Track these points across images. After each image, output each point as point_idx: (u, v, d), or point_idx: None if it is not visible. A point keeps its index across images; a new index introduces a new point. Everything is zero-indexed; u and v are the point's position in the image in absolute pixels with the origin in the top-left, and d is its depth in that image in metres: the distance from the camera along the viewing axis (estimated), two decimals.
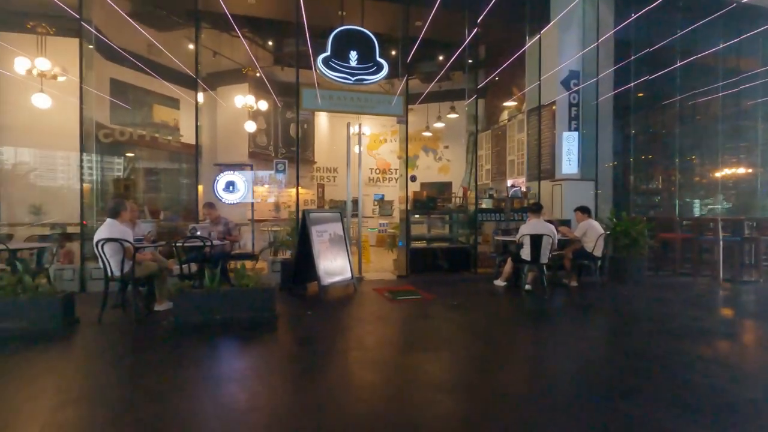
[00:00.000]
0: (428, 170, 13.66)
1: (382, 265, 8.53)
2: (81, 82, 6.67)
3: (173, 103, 11.60)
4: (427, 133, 13.12)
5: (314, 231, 5.71)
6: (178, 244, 4.81)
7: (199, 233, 5.46)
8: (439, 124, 12.58)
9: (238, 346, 3.75)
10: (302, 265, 5.70)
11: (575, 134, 7.99)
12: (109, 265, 4.31)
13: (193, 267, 4.97)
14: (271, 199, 12.43)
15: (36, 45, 8.03)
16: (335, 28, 6.87)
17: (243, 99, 9.77)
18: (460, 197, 8.55)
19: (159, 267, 4.75)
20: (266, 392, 2.73)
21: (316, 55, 6.65)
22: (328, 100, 6.86)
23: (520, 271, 5.84)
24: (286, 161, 6.90)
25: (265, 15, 9.90)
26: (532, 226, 5.72)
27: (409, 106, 13.65)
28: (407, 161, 7.57)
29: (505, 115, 11.36)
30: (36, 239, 5.72)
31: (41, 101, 7.43)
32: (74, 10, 6.82)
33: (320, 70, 6.82)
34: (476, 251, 7.58)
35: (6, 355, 3.44)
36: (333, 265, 5.86)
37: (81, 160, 6.21)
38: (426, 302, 5.32)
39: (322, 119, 13.55)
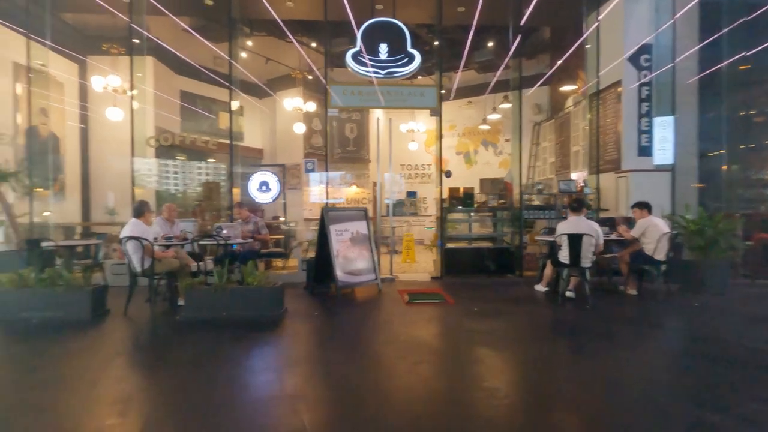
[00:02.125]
0: (488, 165, 12.88)
1: (425, 266, 8.18)
2: (133, 94, 7.27)
3: (238, 110, 12.35)
4: (485, 126, 12.37)
5: (333, 230, 5.60)
6: (194, 242, 5.00)
7: (225, 232, 5.66)
8: (494, 116, 11.77)
9: (224, 346, 3.75)
10: (323, 264, 5.62)
11: (669, 119, 6.85)
12: (132, 262, 4.62)
13: (210, 265, 5.13)
14: (340, 199, 12.73)
15: (113, 64, 9.05)
16: (364, 22, 6.70)
17: (292, 102, 10.06)
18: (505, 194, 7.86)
19: (180, 264, 4.99)
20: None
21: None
22: (357, 96, 6.72)
23: (559, 276, 5.13)
24: (315, 160, 6.90)
25: (312, 17, 10.07)
26: (570, 224, 4.99)
27: (468, 99, 13.16)
28: (440, 156, 7.12)
29: (570, 102, 10.25)
30: (94, 237, 6.40)
31: (115, 114, 8.33)
32: (145, 30, 7.47)
33: (349, 66, 6.71)
34: (521, 252, 6.89)
35: (42, 339, 3.86)
36: (354, 266, 5.70)
37: (132, 166, 6.77)
38: (443, 308, 4.91)
39: (377, 117, 13.47)
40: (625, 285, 5.50)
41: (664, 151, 6.98)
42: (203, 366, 3.17)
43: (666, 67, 6.94)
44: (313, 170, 6.68)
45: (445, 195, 7.14)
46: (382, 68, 6.67)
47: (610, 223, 6.53)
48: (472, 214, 7.33)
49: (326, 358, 3.39)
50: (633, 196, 6.68)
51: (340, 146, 13.28)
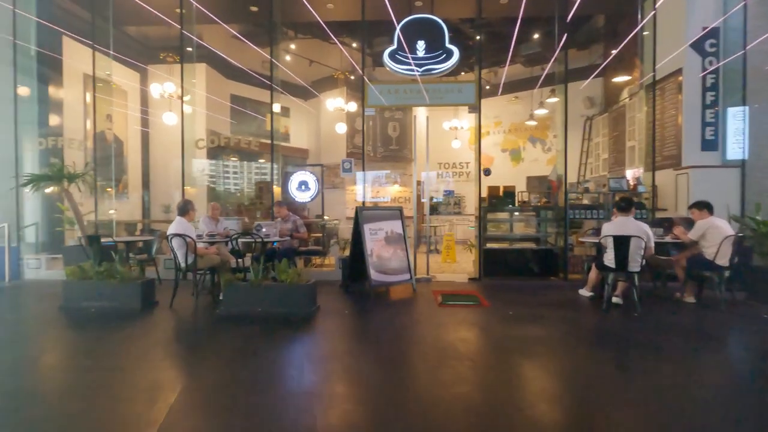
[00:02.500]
0: (535, 163, 12.35)
1: (464, 267, 8.00)
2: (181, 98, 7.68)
3: (284, 111, 12.78)
4: (532, 122, 11.87)
5: (367, 229, 5.61)
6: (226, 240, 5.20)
7: (264, 230, 5.86)
8: (541, 111, 11.26)
9: (253, 340, 3.86)
10: (357, 263, 5.65)
11: (743, 109, 6.24)
12: (177, 257, 4.91)
13: (248, 262, 5.32)
14: (385, 197, 12.82)
15: (170, 72, 9.66)
16: (402, 20, 6.65)
17: (334, 102, 10.22)
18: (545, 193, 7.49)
19: (221, 260, 5.23)
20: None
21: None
22: (393, 95, 6.68)
23: (604, 280, 4.79)
24: (353, 160, 6.94)
25: (353, 17, 10.17)
26: (617, 225, 4.64)
27: (515, 95, 12.70)
28: (479, 153, 6.91)
29: (624, 94, 9.57)
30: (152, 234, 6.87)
31: (170, 119, 8.88)
32: (197, 39, 7.91)
33: (387, 65, 6.69)
34: (566, 254, 6.53)
35: (96, 327, 4.21)
36: (388, 265, 5.68)
37: (183, 167, 7.17)
38: (476, 310, 4.76)
39: (420, 115, 13.37)
40: (682, 292, 5.04)
41: (736, 145, 6.32)
42: (230, 358, 3.29)
43: (737, 54, 6.27)
44: (350, 170, 6.74)
45: (485, 194, 6.92)
46: (420, 65, 6.58)
47: (667, 224, 6.03)
48: (516, 213, 7.04)
49: (347, 357, 3.39)
50: (693, 194, 6.12)
51: (383, 145, 13.32)
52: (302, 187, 6.85)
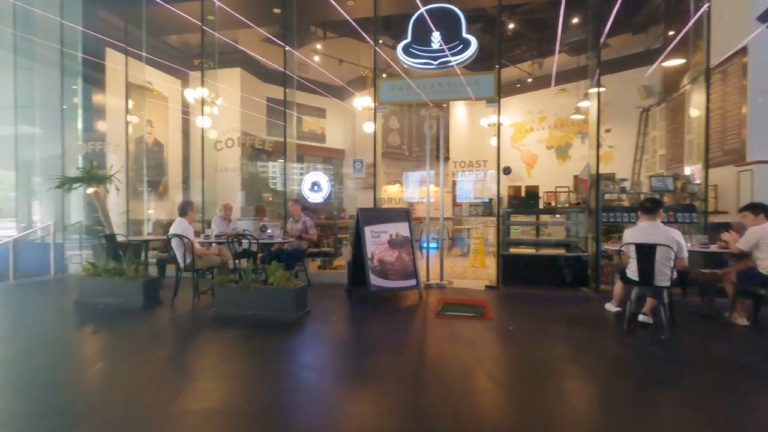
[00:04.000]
0: (584, 160, 11.27)
1: (491, 272, 7.45)
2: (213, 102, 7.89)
3: (320, 112, 12.88)
4: (579, 116, 10.87)
5: (368, 231, 5.35)
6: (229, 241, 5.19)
7: (269, 231, 5.82)
8: (586, 103, 10.25)
9: (229, 343, 3.77)
10: (359, 267, 5.42)
11: None
12: (177, 257, 4.99)
13: (245, 263, 5.28)
14: (421, 198, 12.49)
15: (208, 77, 10.04)
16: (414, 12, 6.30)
17: (362, 101, 10.06)
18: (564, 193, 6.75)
19: (222, 261, 5.25)
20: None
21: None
22: (406, 91, 6.35)
23: (629, 294, 4.12)
24: (363, 160, 6.71)
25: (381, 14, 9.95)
26: (640, 231, 3.97)
27: (561, 87, 11.77)
28: (498, 151, 6.36)
29: (685, 80, 8.41)
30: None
31: (204, 122, 9.21)
32: (232, 46, 8.16)
33: (401, 59, 6.38)
34: (597, 262, 5.81)
35: (98, 322, 4.38)
36: (391, 270, 5.38)
37: (198, 170, 7.36)
38: (473, 323, 4.31)
39: (459, 112, 12.83)
40: (731, 311, 4.22)
41: None
42: (197, 356, 3.20)
43: None
44: (361, 170, 6.51)
45: (506, 194, 6.37)
46: (435, 58, 6.20)
47: (724, 229, 5.16)
48: (543, 216, 6.41)
49: (295, 369, 3.16)
50: (758, 195, 5.17)
51: (418, 144, 12.97)
52: (314, 187, 6.75)
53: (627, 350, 3.58)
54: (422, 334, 3.99)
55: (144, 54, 7.93)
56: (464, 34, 6.10)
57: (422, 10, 6.05)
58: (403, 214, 5.70)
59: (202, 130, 7.46)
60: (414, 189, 12.60)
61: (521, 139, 12.50)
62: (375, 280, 5.21)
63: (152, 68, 9.16)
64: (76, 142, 7.92)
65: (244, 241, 5.46)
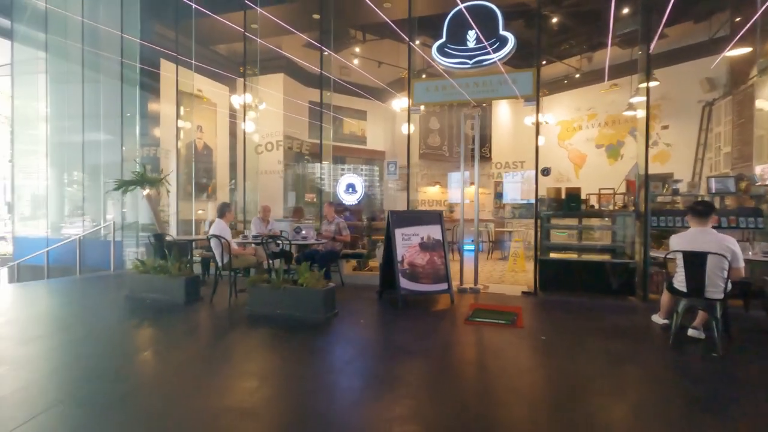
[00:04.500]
0: (637, 160, 10.55)
1: (530, 276, 7.16)
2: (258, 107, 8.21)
3: (361, 115, 13.01)
4: (631, 112, 10.18)
5: (399, 234, 5.32)
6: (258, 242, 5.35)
7: (303, 232, 5.96)
8: (638, 99, 9.58)
9: (254, 341, 3.88)
10: (390, 269, 5.40)
11: None
12: (215, 256, 5.23)
13: (278, 263, 5.42)
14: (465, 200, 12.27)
15: (254, 83, 10.47)
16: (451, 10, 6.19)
17: (400, 102, 10.04)
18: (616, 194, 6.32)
19: (257, 260, 5.43)
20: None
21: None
22: (441, 92, 6.25)
23: (675, 306, 3.78)
24: (397, 161, 6.67)
25: (417, 14, 9.88)
26: (688, 237, 3.63)
27: (613, 82, 11.12)
28: (537, 150, 6.08)
29: (754, 71, 7.64)
30: None
31: (249, 126, 9.60)
32: (275, 53, 8.48)
33: (436, 59, 6.30)
34: (646, 270, 5.40)
35: (143, 315, 4.70)
36: (422, 273, 5.31)
37: (244, 168, 7.65)
38: (503, 331, 4.14)
39: (502, 111, 12.46)
40: None
41: None
42: (222, 353, 3.33)
43: None
44: (395, 173, 6.49)
45: (545, 196, 6.09)
46: (470, 57, 6.05)
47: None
48: (605, 219, 6.06)
49: (311, 371, 3.18)
50: None
51: (459, 144, 12.71)
52: (350, 189, 6.82)
53: (670, 368, 3.29)
54: (447, 340, 3.90)
55: (193, 62, 8.39)
56: (501, 32, 5.91)
57: (461, 6, 5.93)
58: (436, 216, 5.61)
59: (244, 134, 7.77)
60: (455, 190, 12.38)
61: (569, 138, 11.92)
62: (405, 284, 5.17)
63: (202, 76, 9.69)
64: (134, 147, 8.55)
65: (280, 242, 5.62)
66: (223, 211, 5.34)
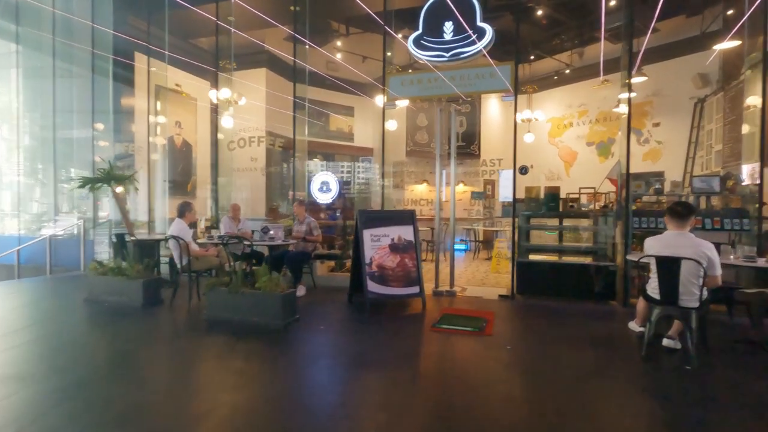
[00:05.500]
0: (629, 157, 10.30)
1: (508, 279, 6.92)
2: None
3: (348, 110, 12.73)
4: (621, 109, 9.90)
5: (368, 235, 5.07)
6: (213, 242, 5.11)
7: (271, 232, 5.71)
8: (624, 95, 9.32)
9: (203, 350, 3.65)
10: (359, 272, 5.15)
11: None
12: (174, 258, 4.98)
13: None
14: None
15: (236, 77, 10.19)
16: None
17: (381, 98, 9.75)
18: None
19: (220, 262, 5.19)
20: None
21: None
22: (416, 86, 6.00)
23: (649, 314, 3.53)
24: (372, 158, 6.41)
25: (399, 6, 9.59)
26: (664, 240, 3.38)
27: (604, 78, 10.83)
28: (515, 147, 5.82)
29: (746, 66, 7.36)
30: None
31: (228, 122, 9.34)
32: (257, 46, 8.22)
33: (411, 52, 6.04)
34: (627, 273, 5.16)
35: (98, 319, 4.45)
36: (392, 275, 5.07)
37: (226, 169, 7.39)
38: (468, 340, 3.90)
39: (491, 107, 12.17)
40: None
41: None
42: (164, 360, 3.10)
43: None
44: (369, 170, 6.23)
45: (523, 195, 5.84)
46: (447, 50, 5.79)
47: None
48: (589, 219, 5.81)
49: (243, 380, 2.94)
50: None
51: (448, 141, 12.45)
52: (324, 188, 6.56)
53: (639, 384, 3.04)
54: (406, 350, 3.66)
55: (167, 53, 8.12)
56: (479, 23, 5.64)
57: None
58: (408, 216, 5.36)
59: (217, 129, 7.52)
60: (442, 188, 12.14)
61: (559, 135, 11.66)
62: (373, 287, 4.93)
63: (182, 70, 9.42)
64: (108, 143, 8.29)
65: (244, 243, 5.37)
66: (183, 210, 5.10)
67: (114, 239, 5.73)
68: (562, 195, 6.49)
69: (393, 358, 3.44)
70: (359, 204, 9.14)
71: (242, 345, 3.72)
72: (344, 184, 8.62)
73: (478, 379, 3.06)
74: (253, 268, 4.61)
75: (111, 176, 6.55)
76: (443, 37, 5.81)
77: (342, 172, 8.58)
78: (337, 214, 7.87)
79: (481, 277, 7.35)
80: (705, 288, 3.24)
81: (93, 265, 5.32)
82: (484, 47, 5.63)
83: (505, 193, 11.43)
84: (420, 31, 5.96)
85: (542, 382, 3.02)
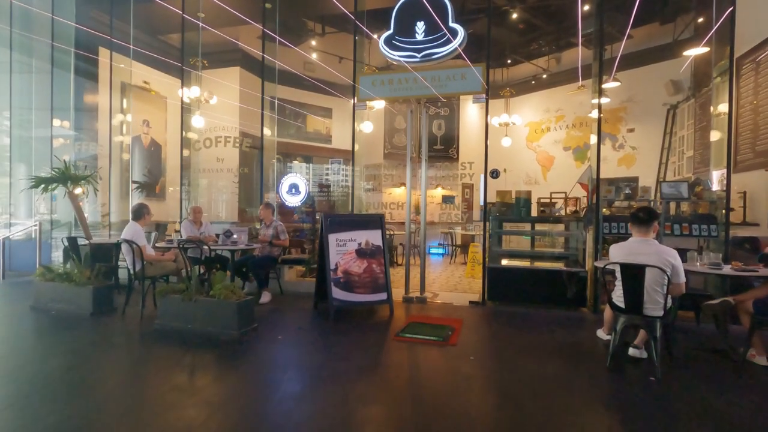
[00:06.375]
0: (603, 163, 10.28)
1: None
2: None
3: (326, 112, 12.51)
4: (594, 114, 9.95)
5: (333, 239, 4.89)
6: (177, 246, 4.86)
7: (234, 236, 5.47)
8: (604, 100, 9.37)
9: (144, 362, 3.40)
10: (324, 278, 4.96)
11: None
12: (127, 263, 4.70)
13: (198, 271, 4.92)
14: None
15: (209, 76, 9.89)
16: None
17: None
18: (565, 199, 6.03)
19: (177, 267, 4.93)
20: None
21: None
22: (387, 86, 5.85)
23: (614, 323, 3.43)
24: (341, 160, 6.24)
25: (379, 5, 9.47)
26: (627, 248, 3.30)
27: (581, 83, 10.90)
28: (487, 150, 5.72)
29: (715, 73, 7.45)
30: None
31: (198, 122, 9.03)
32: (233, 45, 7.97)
33: (383, 52, 5.89)
34: (597, 279, 5.09)
35: (43, 328, 4.15)
36: (359, 281, 4.89)
37: (198, 170, 7.13)
38: (430, 350, 3.74)
39: (470, 111, 12.13)
40: (747, 347, 3.45)
41: None
42: (104, 373, 2.85)
43: None
44: (337, 172, 6.05)
45: (495, 199, 5.73)
46: (419, 50, 5.66)
47: (749, 246, 4.41)
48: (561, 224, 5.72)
49: (184, 403, 2.72)
50: None
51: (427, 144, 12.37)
52: (292, 190, 6.35)
53: (602, 396, 2.93)
54: (366, 361, 3.47)
55: (131, 47, 7.80)
56: (451, 24, 5.53)
57: None
58: (376, 220, 5.19)
59: (181, 128, 7.24)
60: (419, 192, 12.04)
61: (537, 139, 11.68)
62: (337, 294, 4.74)
63: (152, 68, 9.09)
64: (68, 142, 7.91)
65: (200, 247, 5.11)
66: (139, 213, 4.81)
67: (66, 242, 5.39)
68: (538, 199, 6.46)
69: (349, 371, 3.25)
70: (337, 207, 8.95)
71: (189, 358, 3.49)
72: (323, 187, 8.41)
73: (435, 393, 2.90)
74: (216, 273, 4.35)
75: (67, 176, 6.22)
76: (415, 38, 5.69)
77: (309, 173, 8.35)
78: (309, 218, 7.65)
79: (455, 283, 7.23)
80: (669, 296, 3.15)
81: (40, 271, 4.99)
82: (457, 48, 5.52)
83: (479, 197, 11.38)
84: (391, 30, 5.83)
85: (502, 396, 2.88)
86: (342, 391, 2.89)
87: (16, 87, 8.24)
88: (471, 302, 5.51)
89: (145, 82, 9.22)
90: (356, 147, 6.82)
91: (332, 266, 4.80)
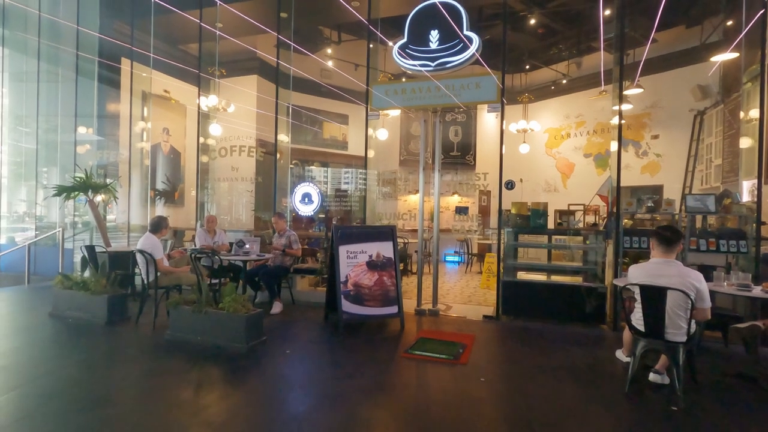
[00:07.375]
0: (626, 170, 9.97)
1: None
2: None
3: (342, 119, 12.54)
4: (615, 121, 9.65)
5: (344, 251, 4.84)
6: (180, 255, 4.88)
7: (247, 246, 5.48)
8: (627, 106, 9.08)
9: (150, 375, 3.41)
10: (334, 290, 4.91)
11: None
12: (142, 273, 4.76)
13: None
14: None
15: (226, 84, 10.04)
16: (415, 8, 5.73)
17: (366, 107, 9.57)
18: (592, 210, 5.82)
19: (190, 278, 4.96)
20: None
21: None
22: (400, 96, 5.78)
23: (634, 346, 3.26)
24: (353, 167, 6.19)
25: (395, 13, 9.41)
26: (648, 269, 3.13)
27: (602, 89, 10.62)
28: (502, 160, 5.58)
29: (745, 78, 7.12)
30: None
31: (215, 129, 9.17)
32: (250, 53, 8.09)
33: (396, 61, 5.84)
34: (617, 295, 4.88)
35: (58, 336, 4.25)
36: (369, 294, 4.82)
37: (215, 177, 7.21)
38: (440, 370, 3.63)
39: (487, 117, 11.94)
40: None
41: None
42: (109, 385, 2.86)
43: None
44: (349, 182, 6.01)
45: (511, 211, 5.58)
46: (432, 59, 5.58)
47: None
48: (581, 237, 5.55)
49: (179, 415, 2.69)
50: None
51: (443, 151, 12.22)
52: (305, 199, 6.34)
53: (619, 424, 2.78)
54: (371, 381, 3.39)
55: (152, 56, 7.96)
56: (465, 32, 5.44)
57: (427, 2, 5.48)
58: (388, 232, 5.11)
59: (197, 136, 7.33)
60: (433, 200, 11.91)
61: (556, 146, 11.42)
62: (347, 307, 4.68)
63: (172, 77, 9.28)
64: (91, 148, 8.13)
65: (211, 257, 5.14)
66: (158, 226, 4.85)
67: (84, 251, 5.50)
68: (558, 208, 6.27)
69: (353, 391, 3.18)
70: (353, 213, 8.92)
71: (196, 372, 3.48)
72: (340, 192, 8.38)
73: (440, 419, 2.80)
74: (227, 283, 4.36)
75: (88, 185, 6.37)
76: (429, 46, 5.61)
77: (327, 177, 8.32)
78: (323, 224, 7.64)
79: (469, 294, 7.09)
80: (693, 321, 2.97)
81: (59, 278, 5.10)
82: (471, 57, 5.42)
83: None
84: (405, 39, 5.77)
85: (511, 424, 2.75)
86: (346, 413, 2.82)
87: (44, 94, 8.53)
88: (485, 316, 5.37)
89: (166, 91, 9.42)
90: (371, 154, 6.80)
91: (342, 279, 4.75)
